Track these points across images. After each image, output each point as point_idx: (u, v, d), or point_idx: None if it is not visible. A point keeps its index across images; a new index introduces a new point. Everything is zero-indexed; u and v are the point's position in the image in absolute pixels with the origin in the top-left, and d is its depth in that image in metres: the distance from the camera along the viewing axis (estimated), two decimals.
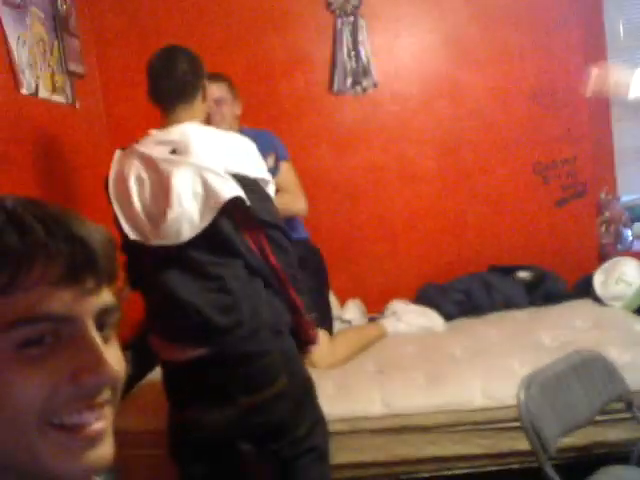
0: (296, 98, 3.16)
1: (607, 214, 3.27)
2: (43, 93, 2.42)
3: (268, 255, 1.72)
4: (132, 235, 1.70)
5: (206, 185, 1.63)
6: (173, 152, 1.71)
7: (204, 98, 1.87)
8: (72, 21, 2.80)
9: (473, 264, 3.17)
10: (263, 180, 1.78)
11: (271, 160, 2.43)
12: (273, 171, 2.36)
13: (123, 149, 1.82)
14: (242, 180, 1.69)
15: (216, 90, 2.40)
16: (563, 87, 3.17)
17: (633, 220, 3.30)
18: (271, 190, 1.82)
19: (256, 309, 1.68)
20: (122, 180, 1.73)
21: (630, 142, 3.42)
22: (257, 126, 3.05)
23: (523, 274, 3.00)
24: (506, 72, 3.16)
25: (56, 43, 2.61)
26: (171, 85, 1.81)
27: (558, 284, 2.97)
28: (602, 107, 3.36)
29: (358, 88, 3.14)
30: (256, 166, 1.79)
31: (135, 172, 1.72)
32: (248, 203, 1.66)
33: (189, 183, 1.63)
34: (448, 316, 2.87)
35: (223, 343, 1.68)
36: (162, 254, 1.68)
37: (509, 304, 2.90)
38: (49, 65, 2.51)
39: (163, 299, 1.72)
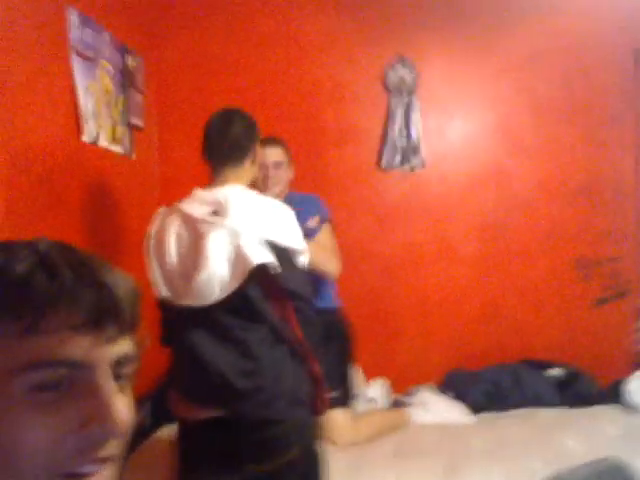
0: (344, 170, 3.21)
1: None
2: (102, 142, 2.53)
3: (293, 325, 1.73)
4: (163, 292, 1.74)
5: (238, 249, 1.65)
6: (214, 213, 1.75)
7: (253, 162, 1.92)
8: (139, 77, 2.94)
9: (505, 355, 3.09)
10: (296, 250, 1.80)
11: (314, 221, 2.49)
12: (315, 231, 2.43)
13: (167, 206, 1.87)
14: (275, 248, 1.70)
15: (274, 154, 2.49)
16: (612, 184, 3.15)
17: None
18: (303, 261, 1.83)
19: (278, 376, 1.68)
20: (162, 237, 1.78)
21: None
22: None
23: (555, 371, 2.91)
24: (555, 164, 3.17)
25: (121, 96, 2.74)
26: (223, 145, 1.87)
27: (590, 386, 2.87)
28: None
29: (406, 166, 3.18)
30: (290, 235, 1.80)
31: (175, 230, 1.77)
32: (277, 271, 1.67)
33: (222, 246, 1.66)
34: (474, 405, 2.78)
35: (241, 407, 1.68)
36: (191, 314, 1.70)
37: (538, 401, 2.80)
38: (112, 116, 2.63)
39: (188, 358, 1.74)
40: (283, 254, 1.73)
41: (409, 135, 3.16)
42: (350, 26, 3.19)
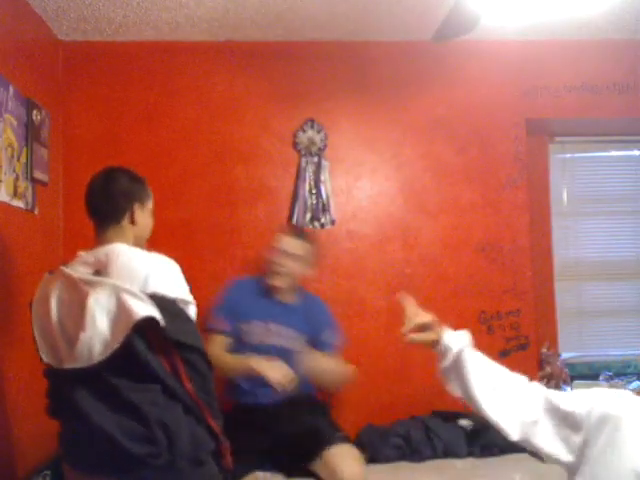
0: (255, 226, 3.23)
1: (548, 369, 3.34)
2: (3, 197, 2.43)
3: (182, 378, 1.67)
4: (45, 358, 1.68)
5: (120, 304, 1.61)
6: (96, 272, 1.71)
7: (133, 221, 1.89)
8: (44, 131, 2.87)
9: (417, 407, 3.13)
10: (183, 300, 1.77)
11: (333, 334, 2.82)
12: (327, 345, 2.77)
13: (51, 272, 1.82)
14: (160, 300, 1.67)
15: (291, 244, 2.68)
16: (509, 243, 3.34)
17: (573, 377, 3.37)
18: (192, 311, 1.80)
19: (174, 438, 1.60)
20: (45, 302, 1.72)
21: (571, 302, 3.59)
22: (217, 251, 3.17)
23: (465, 422, 2.97)
24: (456, 224, 3.33)
25: (25, 150, 2.66)
26: (101, 205, 1.87)
27: (499, 435, 2.94)
28: (546, 265, 3.55)
29: (316, 223, 3.25)
30: (177, 287, 1.78)
31: (56, 293, 1.71)
32: (162, 323, 1.63)
33: (104, 303, 1.62)
34: (387, 461, 2.79)
35: (138, 475, 1.59)
36: (77, 377, 1.62)
37: (448, 452, 2.85)
38: (14, 171, 2.54)
39: (77, 425, 1.65)
40: (170, 306, 1.70)
41: (319, 194, 3.25)
42: (263, 90, 3.28)
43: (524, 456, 2.82)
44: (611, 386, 3.34)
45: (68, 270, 1.73)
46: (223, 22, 3.07)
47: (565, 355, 3.50)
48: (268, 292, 2.79)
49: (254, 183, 3.26)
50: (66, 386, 1.65)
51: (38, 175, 2.78)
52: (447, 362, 1.58)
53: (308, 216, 3.24)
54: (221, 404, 1.82)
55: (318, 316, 2.83)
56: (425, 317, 1.68)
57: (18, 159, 2.59)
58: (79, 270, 1.73)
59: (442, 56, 3.35)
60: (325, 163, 3.28)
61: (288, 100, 3.30)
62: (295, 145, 3.27)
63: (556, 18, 3.12)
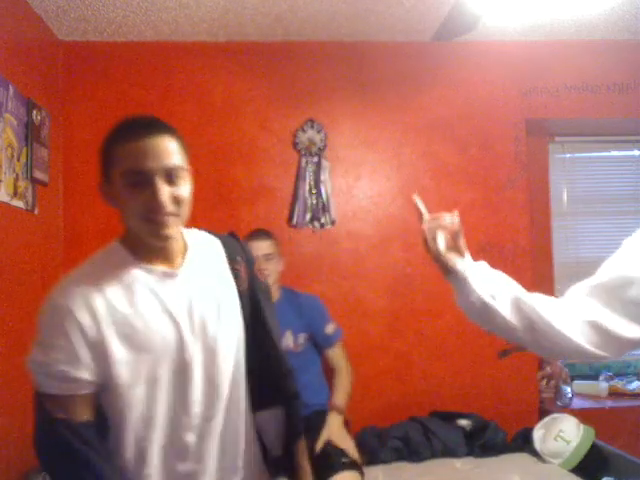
0: (255, 227, 3.22)
1: (548, 369, 3.34)
2: (3, 197, 2.43)
3: None
4: None
5: None
6: None
7: None
8: (44, 131, 2.88)
9: (416, 407, 3.14)
10: None
11: (333, 326, 2.85)
12: (332, 338, 2.83)
13: None
14: None
15: (265, 247, 2.69)
16: (509, 243, 3.34)
17: (573, 377, 3.37)
18: None
19: None
20: None
21: None
22: None
23: (464, 422, 2.97)
24: None
25: (25, 150, 2.66)
26: None
27: (498, 435, 2.95)
28: (546, 265, 3.55)
29: (316, 223, 3.24)
30: None
31: None
32: None
33: None
34: (386, 462, 2.79)
35: None
36: None
37: (447, 452, 2.85)
38: (14, 171, 2.54)
39: None
40: None
41: (319, 194, 3.25)
42: (263, 90, 3.28)
43: (524, 456, 2.84)
44: (611, 386, 3.34)
45: None
46: (223, 22, 3.07)
47: None
48: None
49: (254, 183, 3.26)
50: None
51: (38, 175, 2.78)
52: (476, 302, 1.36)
53: (308, 216, 3.24)
54: None
55: (311, 311, 2.82)
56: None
57: (18, 159, 2.59)
58: None
59: (442, 56, 3.36)
60: (325, 163, 3.28)
61: (288, 100, 3.30)
62: (295, 145, 3.27)
63: (556, 18, 3.13)
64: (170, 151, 1.24)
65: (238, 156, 3.26)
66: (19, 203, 2.59)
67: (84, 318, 1.16)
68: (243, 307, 1.36)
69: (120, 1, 2.81)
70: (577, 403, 3.21)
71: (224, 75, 3.28)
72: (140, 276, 1.24)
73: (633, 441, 2.92)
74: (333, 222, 3.26)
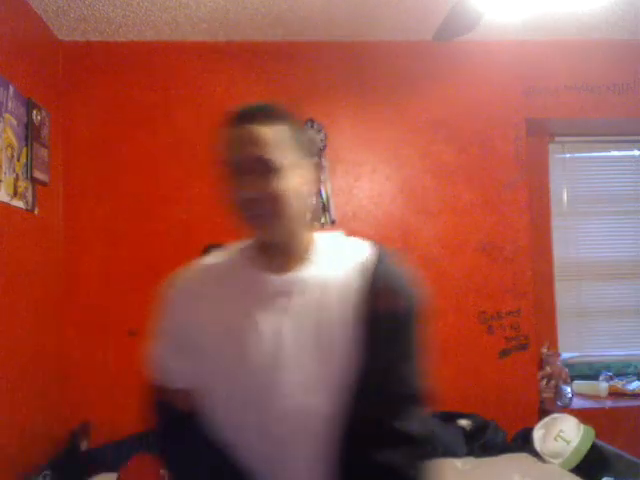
0: None
1: (548, 369, 3.34)
2: (3, 197, 2.43)
3: None
4: None
5: None
6: None
7: None
8: (44, 131, 2.88)
9: None
10: None
11: None
12: None
13: None
14: None
15: None
16: (509, 243, 3.34)
17: (573, 377, 3.37)
18: None
19: None
20: None
21: (571, 302, 3.59)
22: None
23: (464, 422, 2.97)
24: (456, 224, 3.33)
25: (25, 150, 2.66)
26: None
27: (498, 435, 2.95)
28: (546, 265, 3.55)
29: (316, 223, 3.25)
30: None
31: None
32: None
33: None
34: None
35: None
36: None
37: (447, 451, 2.84)
38: (14, 171, 2.54)
39: None
40: None
41: (319, 194, 3.25)
42: (263, 90, 3.28)
43: (524, 456, 2.83)
44: (611, 386, 3.34)
45: None
46: (223, 22, 3.07)
47: (565, 355, 3.50)
48: None
49: None
50: None
51: (38, 175, 2.78)
52: None
53: (308, 216, 3.23)
54: None
55: None
56: None
57: (18, 159, 2.59)
58: None
59: (442, 56, 3.35)
60: (325, 163, 3.28)
61: (287, 99, 3.29)
62: None
63: (556, 18, 3.13)
64: (264, 142, 1.04)
65: None
66: (19, 203, 2.59)
67: (186, 315, 1.11)
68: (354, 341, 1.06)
69: (120, 1, 2.81)
70: (577, 403, 3.21)
71: (224, 75, 3.28)
72: (249, 281, 1.13)
73: (633, 441, 2.93)
74: (333, 222, 3.26)
